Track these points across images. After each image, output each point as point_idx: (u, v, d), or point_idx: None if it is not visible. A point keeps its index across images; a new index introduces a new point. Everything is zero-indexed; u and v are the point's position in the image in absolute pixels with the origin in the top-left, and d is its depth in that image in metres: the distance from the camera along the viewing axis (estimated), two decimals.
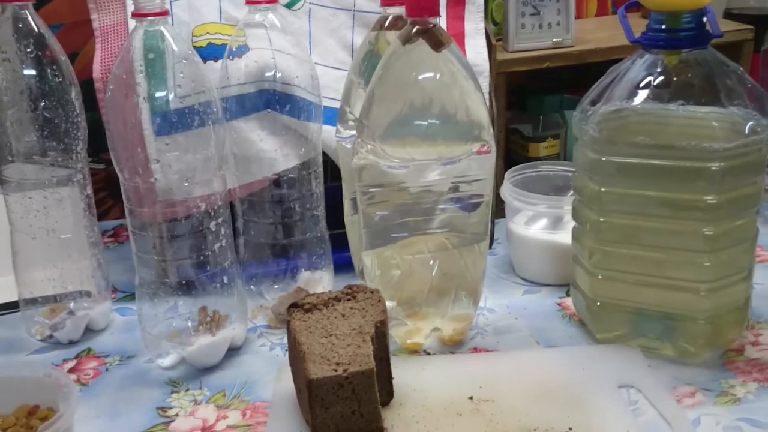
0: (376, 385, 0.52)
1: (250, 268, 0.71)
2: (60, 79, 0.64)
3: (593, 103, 0.61)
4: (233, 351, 0.66)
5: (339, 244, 0.73)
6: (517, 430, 0.53)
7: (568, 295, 0.71)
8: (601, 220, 0.61)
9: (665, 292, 0.60)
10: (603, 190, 0.60)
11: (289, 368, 0.58)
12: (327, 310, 0.58)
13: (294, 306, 0.58)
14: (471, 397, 0.57)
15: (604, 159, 0.60)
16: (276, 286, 0.72)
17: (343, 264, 0.74)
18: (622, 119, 0.60)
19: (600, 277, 0.63)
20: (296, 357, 0.55)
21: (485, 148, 0.60)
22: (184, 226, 0.62)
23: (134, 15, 0.57)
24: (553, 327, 0.68)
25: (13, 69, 0.62)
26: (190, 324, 0.64)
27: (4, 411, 0.55)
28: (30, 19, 0.63)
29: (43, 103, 0.63)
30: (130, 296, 0.75)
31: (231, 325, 0.65)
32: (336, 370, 0.52)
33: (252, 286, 0.71)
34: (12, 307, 0.72)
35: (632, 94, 0.59)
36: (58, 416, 0.51)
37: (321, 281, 0.72)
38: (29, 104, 0.63)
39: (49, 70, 0.63)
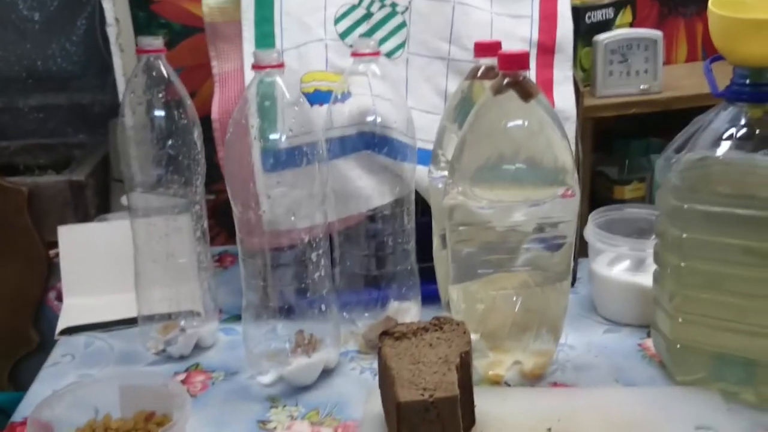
0: (459, 411, 0.56)
1: (344, 296, 0.76)
2: (185, 121, 0.71)
3: (677, 151, 0.63)
4: (326, 372, 0.71)
5: (427, 276, 0.78)
6: None
7: (649, 336, 0.73)
8: (683, 265, 0.63)
9: (748, 338, 0.61)
10: (684, 236, 0.63)
11: (378, 391, 0.63)
12: (416, 339, 0.62)
13: (386, 333, 0.63)
14: (549, 429, 0.60)
15: (686, 206, 0.62)
16: (366, 314, 0.76)
17: (431, 296, 0.78)
18: (705, 168, 0.62)
19: (680, 320, 0.64)
20: (386, 381, 0.60)
21: (569, 192, 0.64)
22: (288, 255, 0.68)
23: (254, 67, 0.64)
24: (632, 366, 0.70)
25: (145, 111, 0.71)
26: (288, 345, 0.70)
27: (126, 415, 0.62)
28: (162, 67, 0.71)
29: (169, 142, 0.71)
30: (234, 318, 0.81)
31: (325, 349, 0.70)
32: (423, 395, 0.56)
33: (345, 313, 0.76)
34: (130, 322, 0.80)
35: (715, 144, 0.61)
36: (174, 422, 0.57)
37: (409, 312, 0.76)
38: (158, 142, 0.71)
39: (175, 112, 0.71)
